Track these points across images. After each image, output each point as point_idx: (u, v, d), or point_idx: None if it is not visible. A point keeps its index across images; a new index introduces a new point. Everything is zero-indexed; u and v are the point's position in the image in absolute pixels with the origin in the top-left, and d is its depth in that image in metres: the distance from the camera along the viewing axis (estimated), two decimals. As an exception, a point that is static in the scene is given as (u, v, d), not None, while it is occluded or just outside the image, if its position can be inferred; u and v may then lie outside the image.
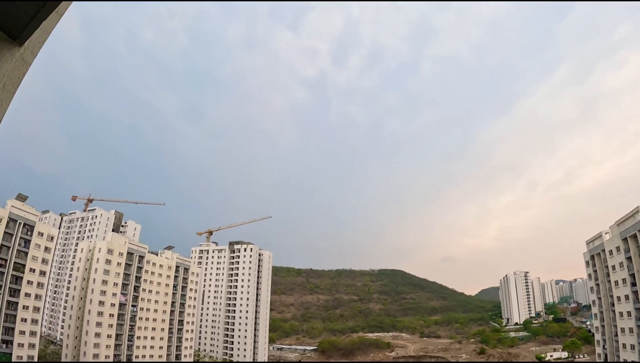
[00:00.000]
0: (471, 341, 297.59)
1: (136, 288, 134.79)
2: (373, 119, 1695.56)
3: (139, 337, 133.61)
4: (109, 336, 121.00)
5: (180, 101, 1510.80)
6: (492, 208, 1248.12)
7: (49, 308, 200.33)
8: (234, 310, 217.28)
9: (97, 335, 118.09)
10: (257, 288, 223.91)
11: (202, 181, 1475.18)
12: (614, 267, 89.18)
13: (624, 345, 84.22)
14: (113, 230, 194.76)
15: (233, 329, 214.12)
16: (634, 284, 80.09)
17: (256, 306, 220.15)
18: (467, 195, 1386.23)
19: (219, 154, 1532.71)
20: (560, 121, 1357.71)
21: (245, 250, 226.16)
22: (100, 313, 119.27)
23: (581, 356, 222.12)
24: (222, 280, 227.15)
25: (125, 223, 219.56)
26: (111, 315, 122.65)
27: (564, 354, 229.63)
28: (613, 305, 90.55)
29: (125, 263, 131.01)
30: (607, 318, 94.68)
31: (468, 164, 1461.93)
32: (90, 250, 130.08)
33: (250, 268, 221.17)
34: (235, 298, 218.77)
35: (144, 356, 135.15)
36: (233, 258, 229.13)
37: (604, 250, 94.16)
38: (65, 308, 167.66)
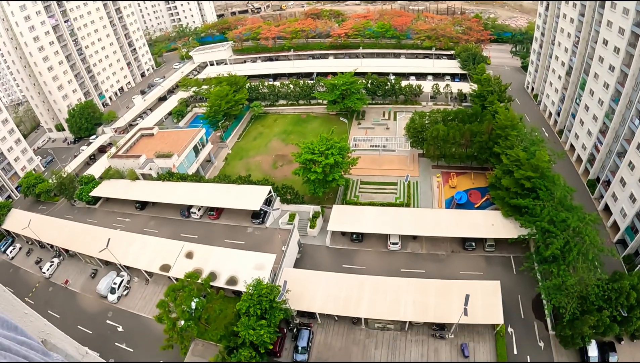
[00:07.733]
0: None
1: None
2: None
3: (87, 47, 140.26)
4: (60, 63, 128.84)
5: None
6: None
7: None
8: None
9: (46, 59, 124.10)
10: None
11: None
12: None
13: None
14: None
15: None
16: None
17: None
18: None
19: None
20: None
21: None
22: (41, 49, 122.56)
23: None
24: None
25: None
26: (51, 43, 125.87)
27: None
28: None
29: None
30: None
31: None
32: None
33: None
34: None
35: (100, 60, 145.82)
36: None
37: None
38: (7, 65, 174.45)
